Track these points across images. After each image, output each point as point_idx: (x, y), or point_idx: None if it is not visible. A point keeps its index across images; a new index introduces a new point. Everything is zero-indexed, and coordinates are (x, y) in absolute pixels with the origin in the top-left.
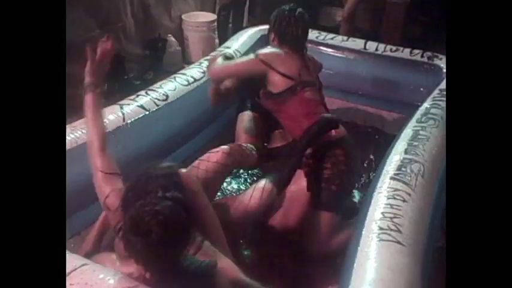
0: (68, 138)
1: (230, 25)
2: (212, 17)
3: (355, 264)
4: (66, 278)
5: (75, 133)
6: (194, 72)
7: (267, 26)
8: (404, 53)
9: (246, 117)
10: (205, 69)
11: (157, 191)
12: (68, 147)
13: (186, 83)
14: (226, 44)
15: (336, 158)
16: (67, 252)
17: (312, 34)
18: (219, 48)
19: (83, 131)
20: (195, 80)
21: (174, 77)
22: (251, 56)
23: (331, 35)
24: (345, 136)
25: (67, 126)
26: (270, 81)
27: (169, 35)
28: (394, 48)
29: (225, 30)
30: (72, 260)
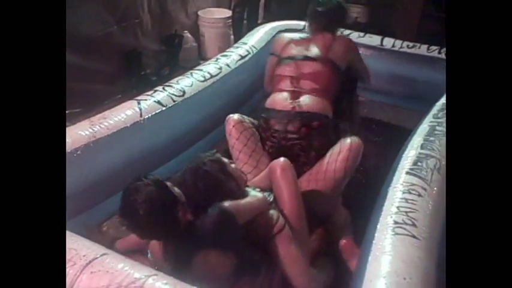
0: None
1: (245, 21)
2: (228, 13)
3: (369, 257)
4: (88, 266)
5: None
6: (211, 68)
7: (282, 22)
8: (422, 49)
9: None
10: (221, 65)
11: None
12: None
13: (202, 78)
14: (243, 40)
15: None
16: (89, 241)
17: None
18: (236, 45)
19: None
20: (212, 76)
21: (191, 73)
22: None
23: (347, 31)
24: None
25: (86, 120)
26: None
27: (186, 31)
28: (411, 44)
29: (239, 27)
30: (93, 249)
